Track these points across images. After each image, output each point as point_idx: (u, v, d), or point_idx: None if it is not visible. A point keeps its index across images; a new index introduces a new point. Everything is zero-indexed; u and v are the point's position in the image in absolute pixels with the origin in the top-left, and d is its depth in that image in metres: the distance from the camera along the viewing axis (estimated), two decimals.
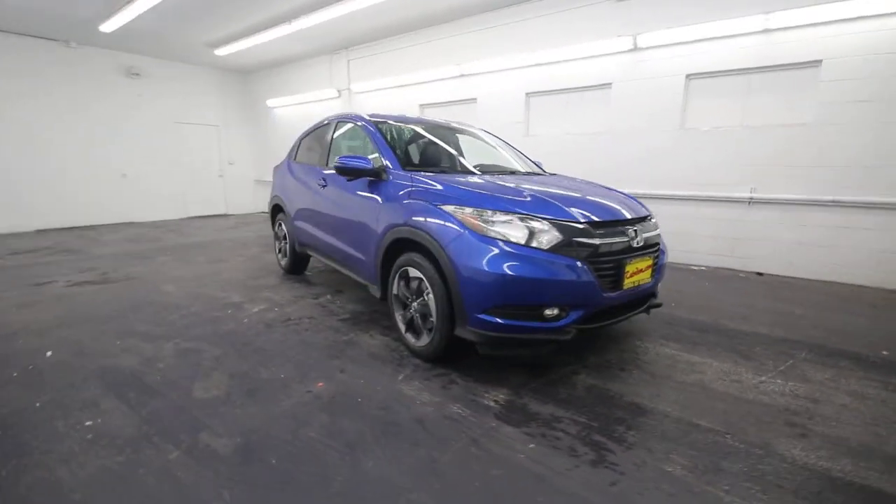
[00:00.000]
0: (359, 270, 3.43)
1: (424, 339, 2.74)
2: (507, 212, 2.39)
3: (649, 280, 2.70)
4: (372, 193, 3.17)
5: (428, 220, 2.58)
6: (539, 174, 3.61)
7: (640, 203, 3.08)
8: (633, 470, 1.82)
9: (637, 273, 2.58)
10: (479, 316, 2.35)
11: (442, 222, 2.50)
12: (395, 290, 2.95)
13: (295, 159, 4.83)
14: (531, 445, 1.97)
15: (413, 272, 2.74)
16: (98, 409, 2.23)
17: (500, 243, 2.32)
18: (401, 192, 2.89)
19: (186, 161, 10.35)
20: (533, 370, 2.68)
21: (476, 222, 2.39)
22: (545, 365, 2.75)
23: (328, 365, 2.75)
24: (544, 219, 2.37)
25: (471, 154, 3.92)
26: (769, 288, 4.61)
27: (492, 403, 2.32)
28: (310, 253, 4.48)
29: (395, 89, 8.24)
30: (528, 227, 2.35)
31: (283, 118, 10.76)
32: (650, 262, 2.68)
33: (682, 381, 2.60)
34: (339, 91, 9.15)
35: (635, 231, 2.61)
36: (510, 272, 2.27)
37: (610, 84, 5.96)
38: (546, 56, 6.32)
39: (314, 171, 4.17)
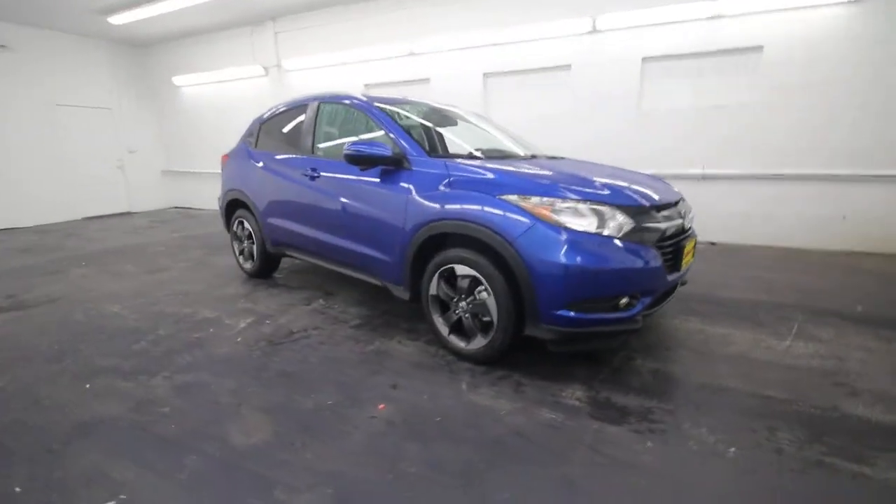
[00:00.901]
0: (375, 271, 3.07)
1: (479, 342, 2.53)
2: (576, 199, 2.25)
3: (692, 259, 2.75)
4: (392, 184, 2.82)
5: (486, 211, 2.34)
6: (557, 158, 3.49)
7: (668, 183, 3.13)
8: (763, 455, 1.82)
9: (688, 254, 2.61)
10: (556, 312, 2.21)
11: (505, 213, 2.28)
12: (433, 291, 2.68)
13: (256, 146, 4.20)
14: (649, 444, 1.90)
15: (462, 270, 2.49)
16: (113, 483, 1.71)
17: (576, 233, 2.18)
18: (436, 182, 2.60)
19: (73, 151, 8.62)
20: (589, 361, 2.62)
21: (546, 212, 2.22)
22: (596, 354, 2.70)
23: (374, 382, 2.43)
24: (614, 205, 2.28)
25: (468, 138, 3.69)
26: (726, 256, 5.07)
27: (576, 402, 2.21)
28: (289, 254, 3.95)
29: (335, 67, 7.57)
30: (599, 214, 2.24)
31: (195, 98, 9.41)
32: (694, 242, 2.73)
33: (726, 354, 2.71)
34: (265, 68, 8.18)
35: (682, 212, 2.64)
36: (590, 264, 2.15)
37: (569, 66, 6.03)
38: (504, 36, 6.19)
39: (294, 160, 3.64)
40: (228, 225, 4.63)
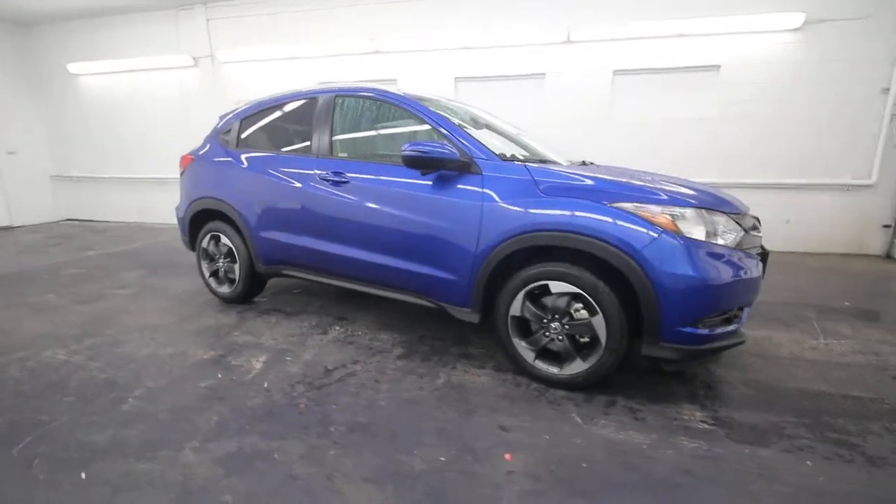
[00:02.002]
0: (431, 291, 2.67)
1: (576, 366, 2.28)
2: (695, 207, 2.12)
3: None
4: (455, 191, 2.47)
5: (599, 221, 2.10)
6: (596, 165, 3.35)
7: None
8: None
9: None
10: (682, 329, 2.05)
11: (622, 223, 2.07)
12: (515, 312, 2.38)
13: (237, 146, 3.51)
14: (808, 463, 1.81)
15: (559, 287, 2.23)
16: None
17: (701, 244, 2.05)
18: (526, 189, 2.31)
19: None
20: (670, 377, 2.51)
21: (668, 222, 2.05)
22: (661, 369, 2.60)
23: (476, 426, 2.06)
24: (728, 213, 2.19)
25: (500, 141, 3.43)
26: None
27: (704, 425, 2.07)
28: (288, 273, 3.33)
29: (284, 62, 6.80)
30: (717, 222, 2.13)
31: (99, 90, 7.86)
32: None
33: (784, 356, 2.79)
34: (194, 59, 7.10)
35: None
36: (718, 276, 2.03)
37: (543, 74, 6.07)
38: (478, 40, 6.05)
39: (304, 162, 3.07)
40: (193, 241, 3.81)
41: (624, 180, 2.31)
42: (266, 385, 2.41)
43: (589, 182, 2.27)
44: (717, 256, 2.06)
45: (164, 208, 7.96)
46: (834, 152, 5.38)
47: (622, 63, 5.79)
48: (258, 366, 2.63)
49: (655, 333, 2.09)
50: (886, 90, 5.12)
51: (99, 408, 2.19)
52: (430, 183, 2.55)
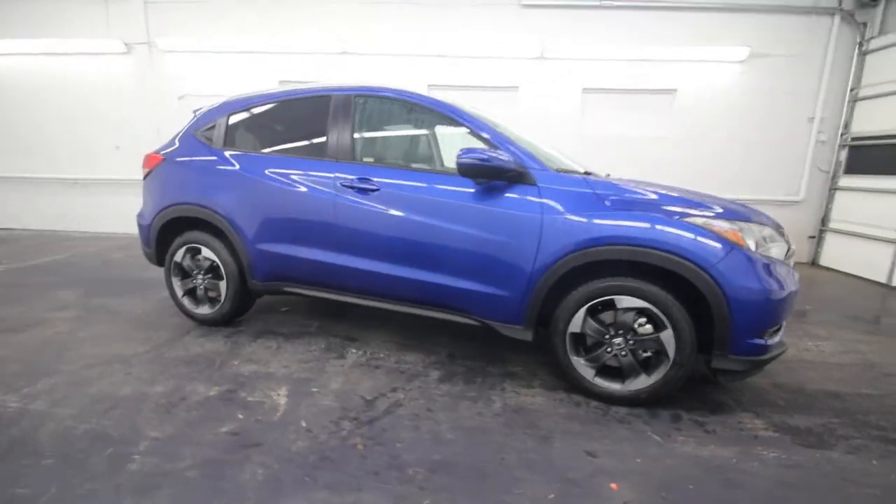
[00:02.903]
0: (477, 308, 2.48)
1: (640, 382, 2.23)
2: (758, 223, 2.19)
3: None
4: (507, 202, 2.33)
5: (674, 235, 2.08)
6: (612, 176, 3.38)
7: None
8: None
9: None
10: (751, 341, 2.09)
11: (696, 238, 2.07)
12: (575, 329, 2.28)
13: (224, 145, 3.06)
14: (874, 462, 1.92)
15: (627, 302, 2.18)
16: None
17: (764, 258, 2.11)
18: (590, 202, 2.23)
19: None
20: (710, 386, 2.57)
21: (737, 237, 2.09)
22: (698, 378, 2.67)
23: (561, 454, 1.91)
24: (772, 227, 2.29)
25: None
26: None
27: (770, 434, 2.12)
28: (292, 291, 2.94)
29: (239, 55, 6.19)
30: (767, 237, 2.22)
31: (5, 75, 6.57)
32: None
33: (789, 359, 2.99)
34: (127, 45, 6.21)
35: None
36: (782, 289, 2.10)
37: (517, 87, 6.15)
38: (452, 48, 5.99)
39: (323, 166, 2.72)
40: (161, 254, 3.25)
41: (676, 195, 2.33)
42: (304, 424, 2.06)
43: (652, 196, 2.26)
44: (775, 269, 2.14)
45: (88, 214, 6.86)
46: (771, 172, 6.05)
47: (591, 82, 6.05)
48: (282, 401, 2.26)
49: (726, 346, 2.10)
50: (812, 119, 5.88)
51: (96, 471, 1.71)
52: (477, 193, 2.39)
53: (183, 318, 3.29)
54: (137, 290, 3.99)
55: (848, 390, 2.59)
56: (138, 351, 2.77)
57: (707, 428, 2.15)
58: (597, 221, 2.19)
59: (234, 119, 3.10)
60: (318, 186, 2.70)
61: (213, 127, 3.13)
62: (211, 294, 3.14)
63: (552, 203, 2.27)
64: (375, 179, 2.58)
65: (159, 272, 4.47)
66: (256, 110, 3.07)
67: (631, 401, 2.28)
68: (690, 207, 2.20)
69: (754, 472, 1.84)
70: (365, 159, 2.75)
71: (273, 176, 2.83)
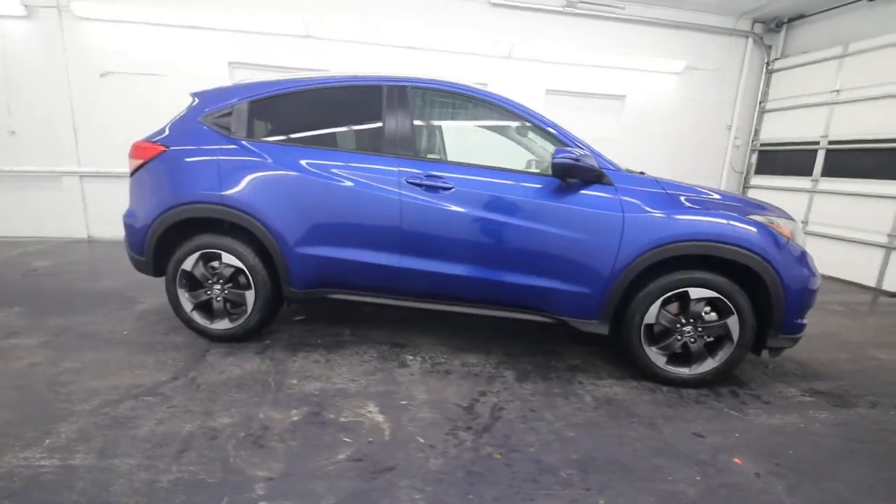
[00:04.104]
0: (554, 306, 2.51)
1: (706, 365, 2.48)
2: (791, 220, 2.53)
3: None
4: (587, 202, 2.41)
5: (746, 231, 2.33)
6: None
7: None
8: None
9: None
10: (797, 321, 2.43)
11: (760, 233, 2.34)
12: (650, 320, 2.44)
13: (248, 136, 2.68)
14: (892, 413, 2.36)
15: (698, 293, 2.39)
16: None
17: (804, 250, 2.47)
18: (668, 201, 2.40)
19: None
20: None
21: (788, 232, 2.41)
22: None
23: (678, 439, 2.06)
24: (796, 222, 2.67)
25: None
26: None
27: (810, 398, 2.50)
28: (337, 296, 2.69)
29: (177, 30, 5.36)
30: (800, 231, 2.58)
31: None
32: None
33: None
34: (28, 7, 5.02)
35: None
36: (815, 275, 2.47)
37: (486, 84, 6.20)
38: (423, 41, 5.87)
39: (384, 162, 2.52)
40: (161, 263, 2.75)
41: (731, 194, 2.61)
42: (422, 440, 1.93)
43: (716, 196, 2.50)
44: (809, 259, 2.51)
45: None
46: (697, 172, 6.92)
47: (554, 84, 6.36)
48: (379, 418, 2.09)
49: (779, 327, 2.42)
50: (729, 127, 6.87)
51: None
52: (560, 192, 2.42)
53: (188, 336, 2.83)
54: (97, 306, 3.32)
55: (844, 357, 3.12)
56: (161, 379, 2.33)
57: (763, 399, 2.46)
58: (677, 218, 2.37)
59: (256, 106, 2.72)
60: (378, 184, 2.50)
61: (228, 114, 2.72)
62: (234, 306, 2.75)
63: (633, 201, 2.40)
64: (448, 177, 2.48)
65: (113, 283, 3.86)
66: (286, 97, 2.73)
67: (698, 383, 2.51)
68: (748, 206, 2.48)
69: (821, 432, 2.17)
70: (430, 156, 2.61)
71: (319, 171, 2.55)
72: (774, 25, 6.46)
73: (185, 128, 2.76)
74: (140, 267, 2.84)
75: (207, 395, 2.20)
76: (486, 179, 2.50)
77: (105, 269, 4.40)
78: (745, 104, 6.82)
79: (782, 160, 6.50)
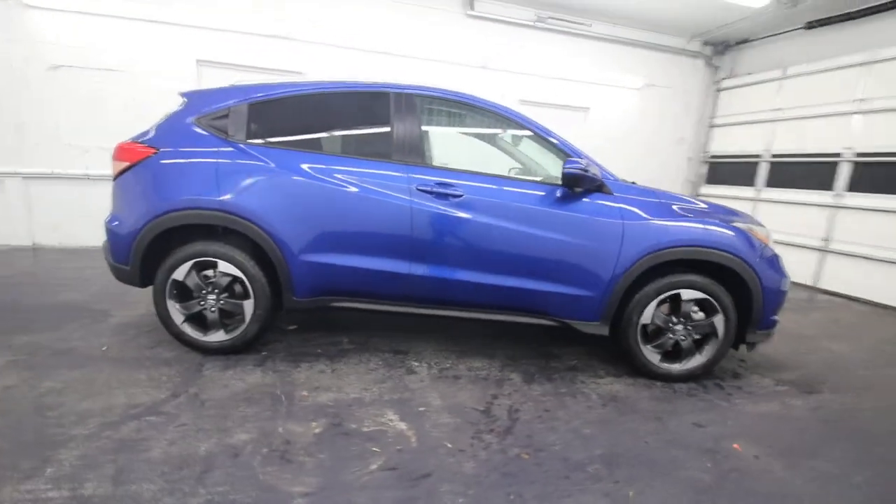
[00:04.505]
0: (558, 310, 2.62)
1: (695, 361, 2.68)
2: (764, 227, 2.79)
3: None
4: (589, 210, 2.54)
5: (732, 237, 2.54)
6: None
7: None
8: None
9: None
10: (772, 318, 2.69)
11: (743, 240, 2.57)
12: (646, 320, 2.61)
13: (248, 138, 2.59)
14: (850, 395, 2.66)
15: (689, 294, 2.58)
16: None
17: (776, 254, 2.73)
18: (662, 209, 2.58)
19: None
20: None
21: (764, 238, 2.66)
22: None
23: (682, 431, 2.21)
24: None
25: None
26: None
27: (782, 387, 2.76)
28: (343, 304, 2.65)
29: (142, 24, 5.02)
30: (771, 236, 2.85)
31: None
32: None
33: None
34: None
35: None
36: (786, 276, 2.74)
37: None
38: (401, 47, 5.89)
39: (393, 168, 2.52)
40: (148, 273, 2.59)
41: (714, 203, 2.84)
42: (450, 445, 1.95)
43: (702, 205, 2.71)
44: (781, 262, 2.78)
45: None
46: (659, 183, 7.36)
47: (527, 95, 6.58)
48: (401, 426, 2.08)
49: (756, 324, 2.66)
50: (683, 140, 7.40)
51: None
52: (565, 201, 2.54)
53: (177, 350, 2.68)
54: (65, 321, 3.05)
55: (806, 350, 3.45)
56: (159, 397, 2.19)
57: (745, 390, 2.69)
58: (672, 225, 2.55)
59: (256, 108, 2.63)
60: (388, 191, 2.50)
61: (225, 116, 2.61)
62: (229, 317, 2.63)
63: (631, 209, 2.56)
64: (458, 184, 2.52)
65: (74, 295, 3.61)
66: (287, 101, 2.66)
67: (687, 377, 2.71)
68: (729, 214, 2.71)
69: (800, 416, 2.41)
70: (436, 163, 2.64)
71: (325, 177, 2.51)
72: (722, 48, 7.06)
73: (177, 129, 2.62)
74: (123, 277, 2.65)
75: (216, 412, 2.09)
76: (494, 187, 2.57)
77: (60, 279, 4.04)
78: (696, 119, 7.38)
79: (729, 171, 7.09)
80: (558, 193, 2.55)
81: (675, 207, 2.62)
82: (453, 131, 2.96)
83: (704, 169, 7.49)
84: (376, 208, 2.51)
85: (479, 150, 3.12)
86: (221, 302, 2.60)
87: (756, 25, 6.35)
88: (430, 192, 2.51)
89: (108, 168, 5.04)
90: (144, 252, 2.55)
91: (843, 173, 5.31)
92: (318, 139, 2.71)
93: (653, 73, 6.97)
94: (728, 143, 7.09)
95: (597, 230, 2.54)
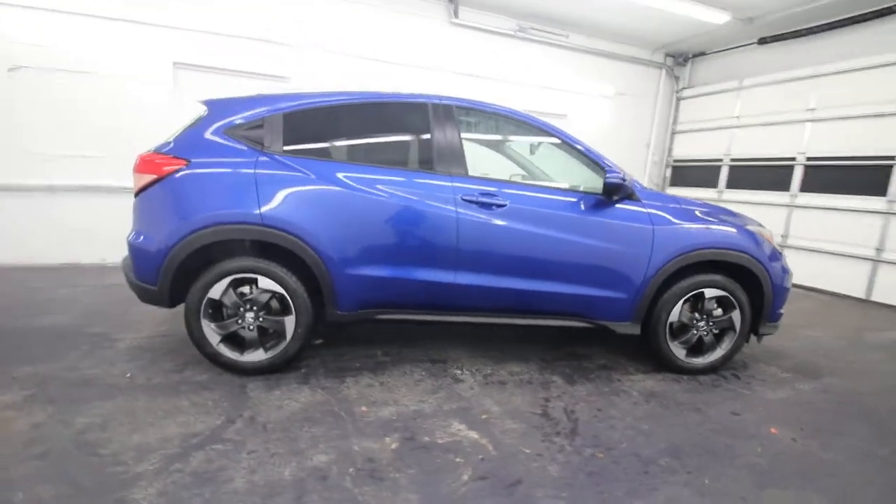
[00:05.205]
0: (595, 312, 2.74)
1: (716, 354, 2.90)
2: (764, 228, 3.06)
3: None
4: (622, 216, 2.69)
5: (746, 240, 2.78)
6: None
7: None
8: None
9: None
10: (779, 311, 2.96)
11: (756, 241, 2.81)
12: (674, 318, 2.79)
13: (284, 151, 2.51)
14: (851, 379, 2.99)
15: (711, 293, 2.79)
16: None
17: (780, 252, 3.01)
18: (687, 215, 2.77)
19: None
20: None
21: (771, 238, 2.92)
22: None
23: (722, 420, 2.40)
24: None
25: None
26: None
27: (790, 374, 3.04)
28: (388, 316, 2.63)
29: (114, 23, 4.66)
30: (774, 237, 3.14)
31: None
32: None
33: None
34: None
35: None
36: (790, 272, 3.03)
37: None
38: (385, 54, 5.87)
39: (437, 179, 2.54)
40: (178, 292, 2.44)
41: (725, 208, 3.08)
42: (528, 451, 2.01)
43: (717, 209, 2.94)
44: (785, 260, 3.06)
45: None
46: None
47: (510, 101, 6.70)
48: (473, 435, 2.10)
49: (767, 317, 2.92)
50: (648, 145, 7.88)
51: None
52: (600, 208, 2.67)
53: (209, 372, 2.54)
54: (63, 348, 2.78)
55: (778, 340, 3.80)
56: (214, 423, 2.08)
57: (759, 379, 2.95)
58: (696, 229, 2.75)
59: (291, 119, 2.55)
60: (434, 202, 2.52)
61: (259, 126, 2.51)
62: (269, 335, 2.53)
63: (660, 214, 2.73)
64: (501, 193, 2.58)
65: (58, 318, 3.40)
66: (323, 111, 2.61)
67: (709, 370, 2.92)
68: (741, 218, 2.96)
69: (814, 400, 2.68)
70: (478, 174, 2.68)
71: (368, 188, 2.48)
72: (682, 60, 7.60)
73: (206, 140, 2.49)
74: (148, 297, 2.48)
75: (282, 434, 2.02)
76: (535, 195, 2.66)
77: (34, 301, 3.66)
78: (660, 126, 7.89)
79: (692, 174, 7.63)
80: (593, 201, 2.68)
81: (697, 212, 2.83)
82: (488, 141, 3.02)
83: (668, 172, 8.01)
84: (422, 219, 2.52)
85: (505, 159, 3.20)
86: (261, 319, 2.50)
87: (713, 40, 6.91)
88: (475, 202, 2.55)
89: (75, 178, 4.74)
90: (176, 270, 2.40)
91: (797, 176, 5.90)
92: (357, 150, 2.69)
93: (623, 82, 7.38)
94: (690, 148, 7.64)
95: (631, 235, 2.69)
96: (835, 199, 5.49)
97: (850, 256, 5.33)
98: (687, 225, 2.75)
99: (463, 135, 2.75)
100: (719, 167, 7.02)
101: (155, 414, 2.13)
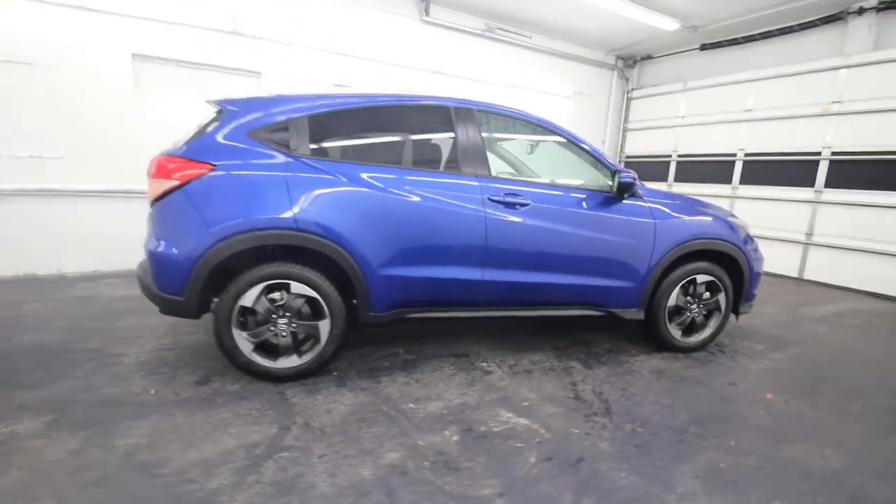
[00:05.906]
0: (604, 301, 2.97)
1: (704, 334, 3.25)
2: (739, 219, 3.46)
3: None
4: (626, 211, 2.93)
5: (728, 230, 3.13)
6: None
7: None
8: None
9: None
10: (754, 292, 3.37)
11: (735, 231, 3.18)
12: (672, 303, 3.09)
13: (312, 154, 2.48)
14: (817, 346, 3.47)
15: (702, 278, 3.12)
16: None
17: (754, 238, 3.41)
18: (682, 208, 3.07)
19: None
20: None
21: (747, 228, 3.31)
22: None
23: (723, 391, 2.72)
24: None
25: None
26: None
27: (763, 347, 3.47)
28: (418, 315, 2.68)
29: (63, 9, 4.21)
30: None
31: None
32: None
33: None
34: None
35: None
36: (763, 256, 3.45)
37: None
38: (356, 50, 5.79)
39: (463, 179, 2.64)
40: (205, 301, 2.35)
41: (707, 201, 3.43)
42: (576, 430, 2.18)
43: (704, 203, 3.27)
44: (758, 247, 3.46)
45: None
46: None
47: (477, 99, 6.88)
48: (523, 421, 2.24)
49: (746, 298, 3.32)
50: (603, 142, 8.40)
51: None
52: (611, 204, 2.89)
53: (239, 381, 2.47)
54: (64, 368, 2.55)
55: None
56: (270, 432, 2.04)
57: (741, 352, 3.34)
58: (691, 221, 3.06)
59: (317, 121, 2.52)
60: (463, 203, 2.60)
61: (284, 128, 2.46)
62: (304, 340, 2.50)
63: (660, 208, 3.00)
64: (525, 191, 2.72)
65: (42, 335, 3.22)
66: (348, 114, 2.60)
67: (699, 347, 3.27)
68: (721, 210, 3.32)
69: (789, 368, 3.10)
70: (502, 174, 2.79)
71: (399, 190, 2.52)
72: (631, 62, 8.16)
73: (227, 144, 2.39)
74: (172, 308, 2.36)
75: (344, 437, 2.03)
76: (554, 193, 2.83)
77: (2, 318, 3.30)
78: (613, 124, 8.43)
79: (644, 169, 8.22)
80: (603, 198, 2.90)
81: (689, 206, 3.14)
82: (504, 142, 3.14)
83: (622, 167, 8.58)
84: (454, 220, 2.60)
85: (521, 159, 3.35)
86: (294, 325, 2.46)
87: (658, 45, 7.49)
88: (501, 202, 2.67)
89: (22, 181, 4.28)
90: (206, 279, 2.30)
91: (738, 170, 6.60)
92: (382, 152, 2.70)
93: (580, 82, 7.80)
94: (641, 145, 8.24)
95: (638, 229, 2.94)
96: (771, 190, 6.23)
97: (784, 241, 6.08)
98: (682, 218, 3.06)
99: (496, 137, 2.87)
100: (668, 162, 7.66)
101: (202, 428, 2.05)
